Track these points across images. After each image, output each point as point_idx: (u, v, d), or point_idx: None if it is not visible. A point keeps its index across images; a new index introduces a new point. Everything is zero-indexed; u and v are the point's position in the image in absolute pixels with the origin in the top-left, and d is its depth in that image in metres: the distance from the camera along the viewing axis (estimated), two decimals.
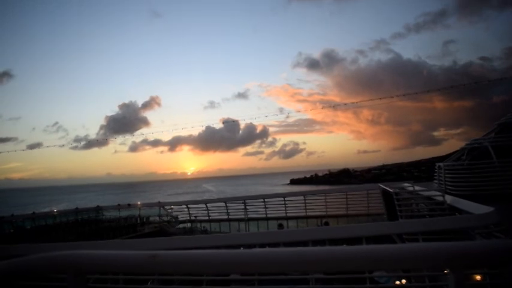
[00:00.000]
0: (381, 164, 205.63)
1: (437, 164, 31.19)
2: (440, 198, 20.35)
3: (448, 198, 19.92)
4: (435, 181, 31.17)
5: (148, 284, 13.37)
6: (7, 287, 2.07)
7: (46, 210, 60.81)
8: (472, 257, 1.87)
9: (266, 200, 38.23)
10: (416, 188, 23.36)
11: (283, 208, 37.08)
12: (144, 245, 13.85)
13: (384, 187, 26.56)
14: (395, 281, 13.28)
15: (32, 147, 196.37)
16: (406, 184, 26.12)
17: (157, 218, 40.98)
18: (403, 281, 13.18)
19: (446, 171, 28.96)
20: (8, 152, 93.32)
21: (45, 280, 10.40)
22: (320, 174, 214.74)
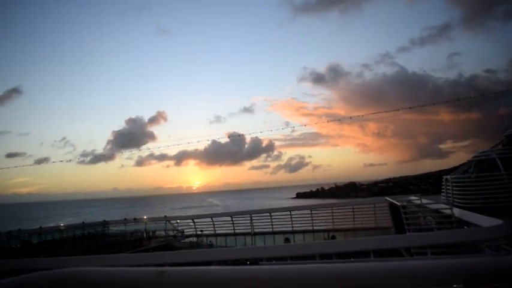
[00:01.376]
0: (387, 177, 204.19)
1: (444, 177, 30.97)
2: (448, 211, 20.19)
3: (456, 211, 19.76)
4: (443, 194, 30.93)
5: None
6: None
7: (53, 224, 60.99)
8: (489, 272, 1.83)
9: (272, 214, 38.05)
10: (424, 201, 23.17)
11: (290, 222, 36.85)
12: (151, 259, 13.80)
13: (391, 200, 26.39)
14: None
15: (39, 162, 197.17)
16: (413, 197, 25.92)
17: (163, 233, 40.90)
18: None
19: (454, 184, 28.74)
20: (16, 167, 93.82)
21: None
22: (326, 187, 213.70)
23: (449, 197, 28.69)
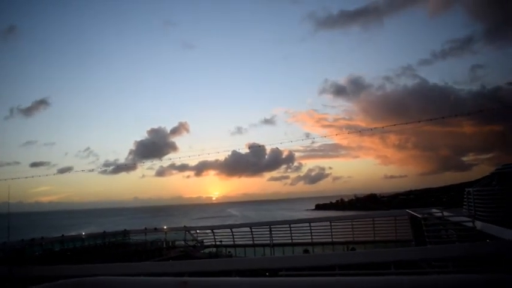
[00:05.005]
0: (408, 189, 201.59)
1: (466, 190, 30.51)
2: (470, 224, 19.95)
3: (478, 224, 19.52)
4: (464, 207, 30.46)
5: None
6: None
7: (74, 233, 61.78)
8: None
9: (291, 225, 37.96)
10: (445, 213, 22.94)
11: (309, 234, 36.72)
12: (171, 268, 13.95)
13: (412, 213, 26.15)
14: None
15: (62, 171, 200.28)
16: (435, 210, 25.63)
17: (182, 242, 41.12)
18: None
19: (476, 197, 28.29)
20: (40, 176, 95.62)
21: None
22: (346, 199, 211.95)
23: (471, 209, 28.23)
